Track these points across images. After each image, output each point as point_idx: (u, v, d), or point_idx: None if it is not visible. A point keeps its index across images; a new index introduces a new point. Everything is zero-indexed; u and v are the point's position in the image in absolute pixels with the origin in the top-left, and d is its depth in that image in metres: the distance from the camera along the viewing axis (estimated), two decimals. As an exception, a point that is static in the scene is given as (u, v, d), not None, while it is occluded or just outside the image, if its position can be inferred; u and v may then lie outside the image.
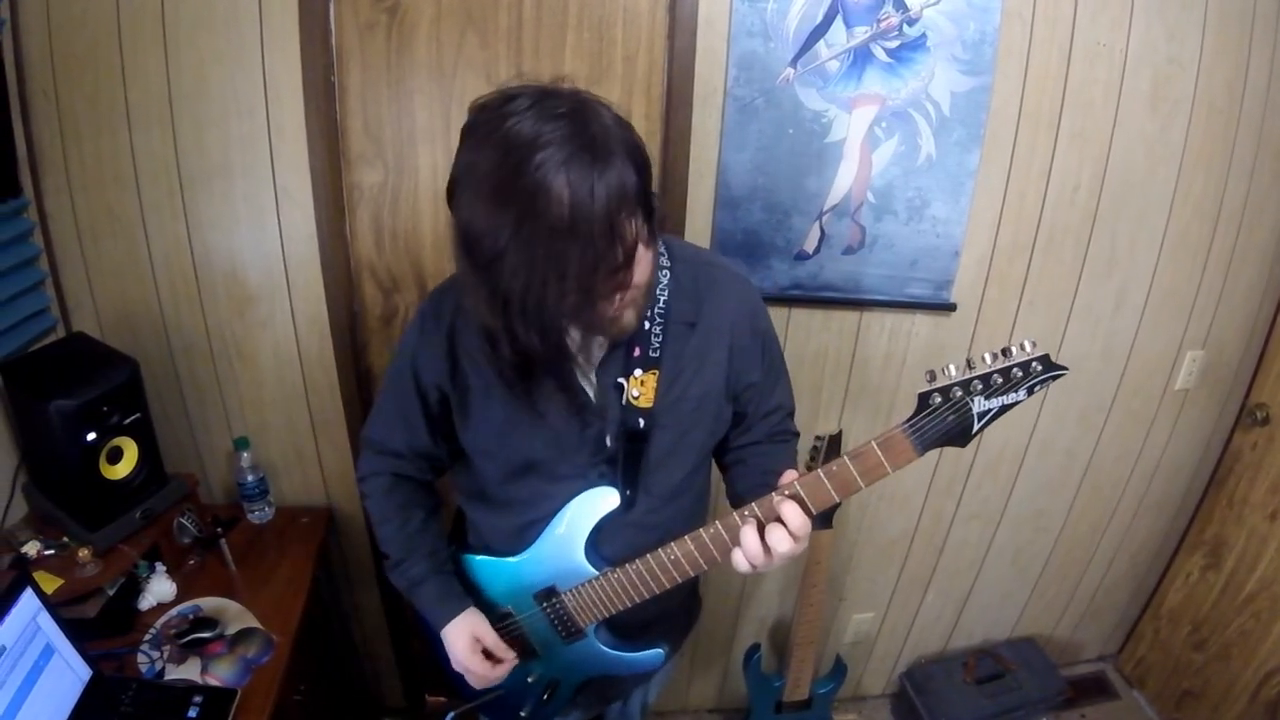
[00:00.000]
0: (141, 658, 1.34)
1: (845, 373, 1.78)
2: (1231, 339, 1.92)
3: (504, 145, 0.74)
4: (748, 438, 1.14)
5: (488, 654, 1.11)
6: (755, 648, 2.02)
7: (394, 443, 1.13)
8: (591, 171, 0.73)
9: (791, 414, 1.19)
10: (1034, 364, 0.79)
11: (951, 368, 0.81)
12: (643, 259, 0.83)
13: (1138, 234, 1.74)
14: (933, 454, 1.83)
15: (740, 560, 0.91)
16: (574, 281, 0.75)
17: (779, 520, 0.88)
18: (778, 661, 2.17)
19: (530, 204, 0.72)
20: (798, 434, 1.21)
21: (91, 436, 1.32)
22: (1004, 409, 0.82)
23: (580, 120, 0.76)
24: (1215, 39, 1.58)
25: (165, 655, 1.34)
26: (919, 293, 1.70)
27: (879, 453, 0.84)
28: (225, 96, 1.44)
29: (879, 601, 2.15)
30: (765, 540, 0.88)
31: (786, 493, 0.89)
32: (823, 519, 1.69)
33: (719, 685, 2.25)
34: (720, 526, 0.94)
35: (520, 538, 1.09)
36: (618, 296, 0.84)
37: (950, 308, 1.72)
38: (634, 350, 0.99)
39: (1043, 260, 1.73)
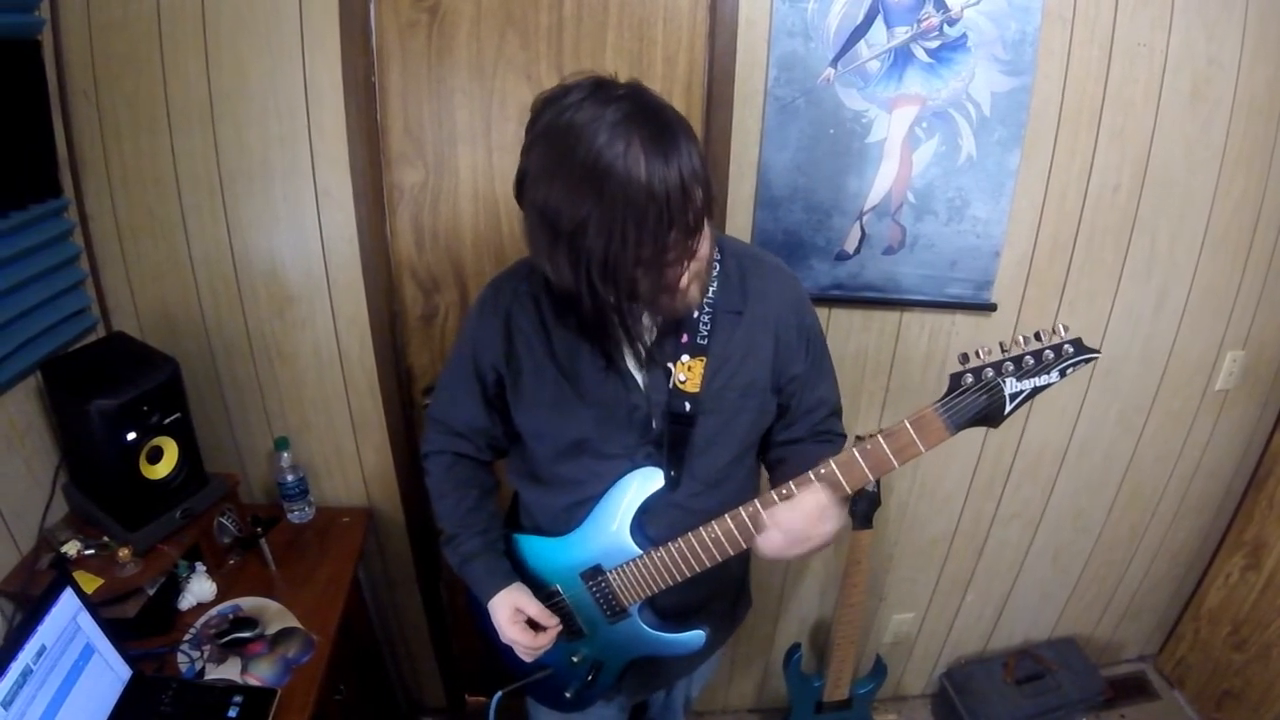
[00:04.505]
0: (181, 657, 1.34)
1: (885, 373, 1.77)
2: (1272, 339, 1.90)
3: (574, 130, 0.79)
4: (790, 433, 1.15)
5: (533, 625, 1.13)
6: (795, 648, 2.01)
7: (455, 422, 1.18)
8: (663, 143, 0.78)
9: (837, 413, 1.19)
10: (1066, 346, 0.83)
11: (984, 349, 0.84)
12: (705, 232, 0.88)
13: (1178, 234, 1.72)
14: (973, 454, 1.88)
15: (761, 543, 0.97)
16: (650, 239, 0.80)
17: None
18: (818, 661, 2.17)
19: (608, 174, 0.77)
20: (845, 436, 1.20)
21: (132, 436, 1.32)
22: (1036, 390, 0.84)
23: (640, 100, 0.82)
24: (1255, 39, 1.56)
25: (205, 655, 1.34)
26: (959, 293, 1.68)
27: (911, 431, 0.86)
28: (265, 97, 1.45)
29: (919, 602, 2.14)
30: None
31: (814, 473, 0.94)
32: (862, 518, 1.68)
33: (759, 685, 2.24)
34: (759, 505, 0.97)
35: (569, 517, 1.12)
36: (685, 264, 0.87)
37: (990, 308, 1.71)
38: (682, 337, 1.03)
39: (1083, 260, 1.71)
